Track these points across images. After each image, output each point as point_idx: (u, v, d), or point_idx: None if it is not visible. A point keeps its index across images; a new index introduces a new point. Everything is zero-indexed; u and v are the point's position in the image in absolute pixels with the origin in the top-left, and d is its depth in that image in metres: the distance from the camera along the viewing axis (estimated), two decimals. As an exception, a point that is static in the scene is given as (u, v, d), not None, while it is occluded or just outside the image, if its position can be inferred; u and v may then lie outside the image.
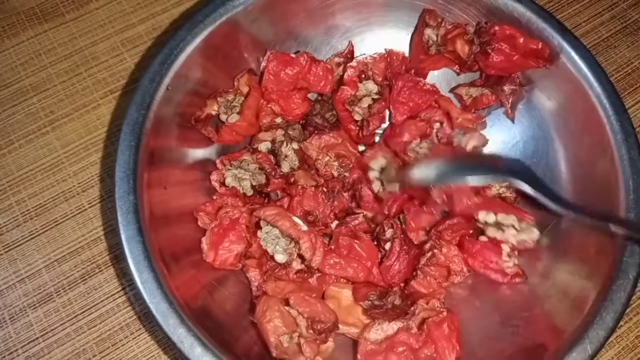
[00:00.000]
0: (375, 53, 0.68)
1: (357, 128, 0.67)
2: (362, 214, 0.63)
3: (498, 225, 0.59)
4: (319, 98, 0.69)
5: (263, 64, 0.66)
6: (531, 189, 0.52)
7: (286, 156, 0.66)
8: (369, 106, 0.66)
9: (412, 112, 0.67)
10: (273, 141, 0.66)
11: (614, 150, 0.55)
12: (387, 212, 0.64)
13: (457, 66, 0.67)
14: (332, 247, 0.60)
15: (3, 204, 0.71)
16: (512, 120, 0.66)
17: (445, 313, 0.55)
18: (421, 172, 0.57)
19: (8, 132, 0.75)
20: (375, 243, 0.62)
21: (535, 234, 0.58)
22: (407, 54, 0.70)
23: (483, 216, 0.60)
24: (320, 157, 0.66)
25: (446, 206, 0.61)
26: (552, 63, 0.60)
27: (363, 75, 0.67)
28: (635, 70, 0.80)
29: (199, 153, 0.64)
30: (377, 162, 0.63)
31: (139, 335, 0.65)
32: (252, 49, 0.66)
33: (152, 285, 0.49)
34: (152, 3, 0.83)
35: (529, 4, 0.60)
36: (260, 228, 0.59)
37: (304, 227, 0.57)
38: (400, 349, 0.53)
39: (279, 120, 0.67)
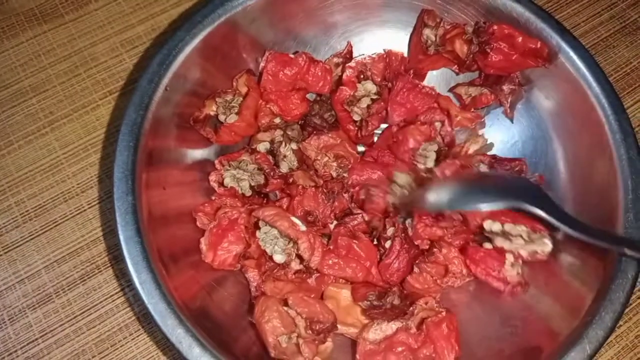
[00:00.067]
0: (374, 53, 0.68)
1: (356, 128, 0.67)
2: (361, 215, 0.63)
3: (505, 235, 0.58)
4: (318, 98, 0.69)
5: (262, 64, 0.66)
6: (546, 214, 0.51)
7: (285, 156, 0.66)
8: (368, 106, 0.66)
9: (409, 114, 0.67)
10: (272, 141, 0.66)
11: (613, 150, 0.55)
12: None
13: (456, 66, 0.67)
14: (331, 247, 0.60)
15: (2, 205, 0.71)
16: (511, 120, 0.66)
17: (444, 313, 0.55)
18: (435, 197, 0.56)
19: (7, 133, 0.75)
20: (375, 241, 0.62)
21: (547, 246, 0.56)
22: (406, 54, 0.70)
23: (489, 225, 0.58)
24: (319, 158, 0.66)
25: (460, 224, 0.61)
26: (551, 62, 0.60)
27: (362, 76, 0.67)
28: (634, 70, 0.80)
29: (197, 153, 0.64)
30: (404, 177, 0.62)
31: (138, 336, 0.65)
32: (250, 49, 0.66)
33: (150, 286, 0.49)
34: (151, 4, 0.83)
35: (527, 4, 0.60)
36: (259, 228, 0.59)
37: (303, 228, 0.57)
38: (399, 349, 0.53)
39: (277, 120, 0.67)
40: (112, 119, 0.76)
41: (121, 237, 0.51)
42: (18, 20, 0.82)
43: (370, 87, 0.67)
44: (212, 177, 0.63)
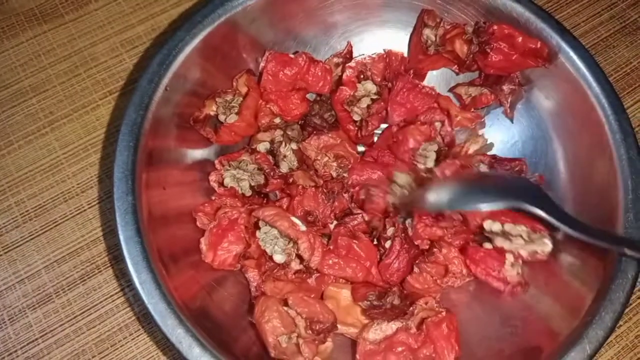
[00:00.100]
0: (374, 53, 0.68)
1: (356, 128, 0.67)
2: (361, 215, 0.63)
3: (505, 235, 0.58)
4: (318, 98, 0.70)
5: (262, 64, 0.66)
6: (546, 214, 0.51)
7: (285, 156, 0.66)
8: (368, 106, 0.66)
9: (408, 114, 0.67)
10: (272, 141, 0.66)
11: (613, 149, 0.55)
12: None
13: (456, 66, 0.67)
14: (331, 247, 0.60)
15: (2, 205, 0.71)
16: (511, 120, 0.66)
17: (444, 313, 0.55)
18: (435, 197, 0.56)
19: (7, 133, 0.75)
20: (375, 241, 0.62)
21: (547, 246, 0.56)
22: (406, 54, 0.70)
23: (488, 225, 0.58)
24: (319, 158, 0.66)
25: (460, 223, 0.61)
26: (551, 62, 0.60)
27: (362, 76, 0.67)
28: (634, 70, 0.80)
29: (197, 153, 0.64)
30: (404, 177, 0.62)
31: (138, 336, 0.65)
32: (250, 49, 0.66)
33: (150, 286, 0.49)
34: (151, 4, 0.83)
35: (527, 4, 0.60)
36: (259, 228, 0.59)
37: (303, 228, 0.57)
38: (399, 349, 0.53)
39: (277, 120, 0.67)
40: (112, 119, 0.76)
41: (121, 237, 0.51)
42: (18, 20, 0.82)
43: (370, 87, 0.67)
44: (212, 177, 0.63)
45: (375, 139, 0.71)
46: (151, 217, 0.53)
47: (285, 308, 0.55)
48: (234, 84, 0.66)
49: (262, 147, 0.66)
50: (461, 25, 0.65)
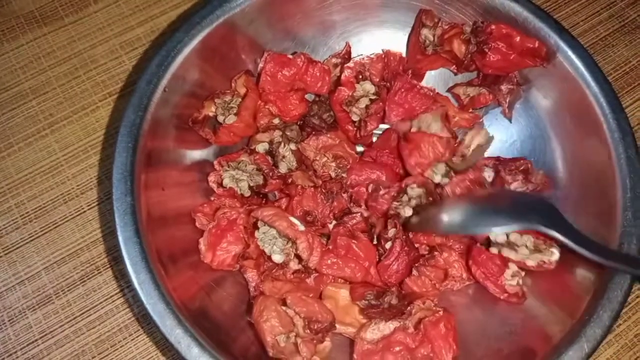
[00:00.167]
0: (373, 54, 0.69)
1: (355, 129, 0.67)
2: (359, 213, 0.63)
3: (511, 246, 0.57)
4: (317, 99, 0.70)
5: (260, 65, 0.66)
6: (563, 237, 0.50)
7: (284, 157, 0.66)
8: (367, 107, 0.66)
9: (406, 115, 0.67)
10: (270, 142, 0.66)
11: (611, 148, 0.55)
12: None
13: (454, 66, 0.67)
14: (330, 247, 0.60)
15: (2, 207, 0.71)
16: (510, 120, 0.66)
17: (441, 312, 0.55)
18: (447, 220, 0.56)
19: (7, 135, 0.75)
20: (375, 241, 0.62)
21: (555, 254, 0.55)
22: (404, 55, 0.70)
23: (494, 236, 0.58)
24: (317, 158, 0.66)
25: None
26: (549, 62, 0.60)
27: (360, 76, 0.67)
28: (633, 69, 0.80)
29: (196, 154, 0.65)
30: (418, 191, 0.62)
31: (137, 337, 0.65)
32: (249, 50, 0.66)
33: (149, 286, 0.49)
34: (151, 6, 0.84)
35: (525, 3, 0.60)
36: (258, 228, 0.59)
37: (301, 228, 0.58)
38: (397, 348, 0.53)
39: (276, 121, 0.67)
40: (111, 121, 0.76)
41: (120, 238, 0.51)
42: (18, 22, 0.82)
43: (368, 87, 0.67)
44: (211, 178, 0.64)
45: (374, 139, 0.71)
46: (150, 218, 0.54)
47: (284, 307, 0.55)
48: (233, 84, 0.66)
49: (261, 147, 0.66)
50: (459, 25, 0.65)
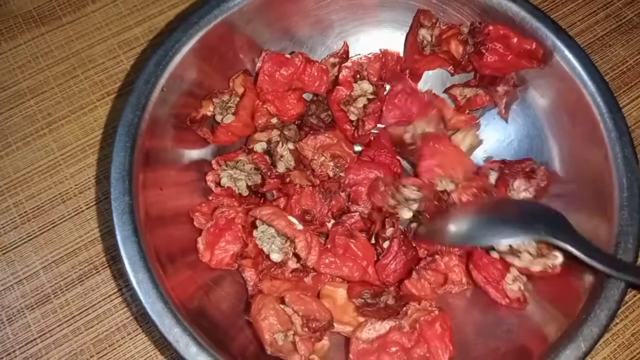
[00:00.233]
0: (370, 53, 0.69)
1: (353, 128, 0.67)
2: (358, 213, 0.64)
3: (514, 252, 0.57)
4: (314, 98, 0.70)
5: (258, 64, 0.66)
6: (576, 249, 0.50)
7: (282, 156, 0.66)
8: (364, 106, 0.66)
9: (402, 117, 0.67)
10: (269, 141, 0.66)
11: (608, 148, 0.55)
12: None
13: (451, 67, 0.68)
14: (328, 246, 0.61)
15: (1, 206, 0.71)
16: (506, 121, 0.66)
17: (437, 312, 0.55)
18: (454, 231, 0.56)
19: (5, 134, 0.75)
20: (373, 241, 0.62)
21: (558, 258, 0.55)
22: (402, 54, 0.70)
23: (496, 244, 0.57)
24: (315, 158, 0.66)
25: None
26: (546, 63, 0.60)
27: (358, 76, 0.67)
28: (630, 69, 0.81)
29: (194, 154, 0.65)
30: (413, 193, 0.62)
31: (136, 336, 0.65)
32: (247, 49, 0.66)
33: (147, 286, 0.49)
34: (149, 5, 0.84)
35: (523, 3, 0.60)
36: (256, 227, 0.59)
37: (300, 227, 0.58)
38: (393, 349, 0.53)
39: (274, 120, 0.67)
40: (109, 120, 0.76)
41: (118, 237, 0.51)
42: (16, 22, 0.82)
43: (366, 87, 0.67)
44: (209, 177, 0.64)
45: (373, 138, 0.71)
46: (148, 218, 0.54)
47: (282, 306, 0.55)
48: (231, 84, 0.66)
49: (259, 147, 0.66)
50: (457, 26, 0.65)
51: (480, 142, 0.67)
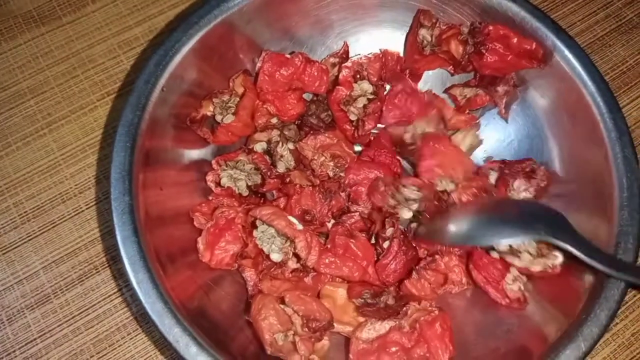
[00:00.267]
0: (370, 53, 0.69)
1: (353, 128, 0.67)
2: (358, 213, 0.64)
3: (514, 253, 0.56)
4: (314, 98, 0.70)
5: (258, 64, 0.66)
6: (576, 249, 0.50)
7: (282, 156, 0.66)
8: (364, 106, 0.66)
9: (402, 117, 0.67)
10: (269, 141, 0.66)
11: (608, 148, 0.55)
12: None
13: (451, 67, 0.68)
14: (328, 246, 0.61)
15: (1, 206, 0.71)
16: (506, 120, 0.66)
17: (436, 312, 0.55)
18: (454, 231, 0.56)
19: (5, 134, 0.75)
20: (373, 240, 0.62)
21: (558, 258, 0.55)
22: (402, 54, 0.70)
23: (496, 244, 0.57)
24: (315, 158, 0.66)
25: None
26: (546, 64, 0.60)
27: (358, 76, 0.67)
28: (630, 69, 0.81)
29: (194, 154, 0.65)
30: (417, 193, 0.62)
31: (136, 336, 0.65)
32: (247, 49, 0.66)
33: (147, 286, 0.49)
34: (149, 5, 0.84)
35: (523, 3, 0.60)
36: (256, 227, 0.59)
37: (300, 227, 0.58)
38: (393, 349, 0.53)
39: (274, 120, 0.67)
40: (109, 120, 0.76)
41: (118, 237, 0.51)
42: (16, 22, 0.82)
43: (366, 87, 0.67)
44: (209, 177, 0.64)
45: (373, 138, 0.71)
46: (148, 218, 0.54)
47: (282, 306, 0.55)
48: (231, 84, 0.66)
49: (259, 147, 0.66)
50: (457, 26, 0.65)
51: (480, 142, 0.67)
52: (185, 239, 0.60)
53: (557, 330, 0.50)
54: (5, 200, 0.71)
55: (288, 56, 0.66)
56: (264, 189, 0.64)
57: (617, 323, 0.67)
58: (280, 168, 0.65)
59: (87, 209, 0.71)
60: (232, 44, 0.64)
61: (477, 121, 0.68)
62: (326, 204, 0.64)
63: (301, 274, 0.59)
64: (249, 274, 0.60)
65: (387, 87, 0.69)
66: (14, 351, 0.64)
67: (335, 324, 0.56)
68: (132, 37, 0.82)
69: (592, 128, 0.57)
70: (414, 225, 0.62)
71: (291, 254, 0.58)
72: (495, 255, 0.58)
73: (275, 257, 0.58)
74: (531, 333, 0.54)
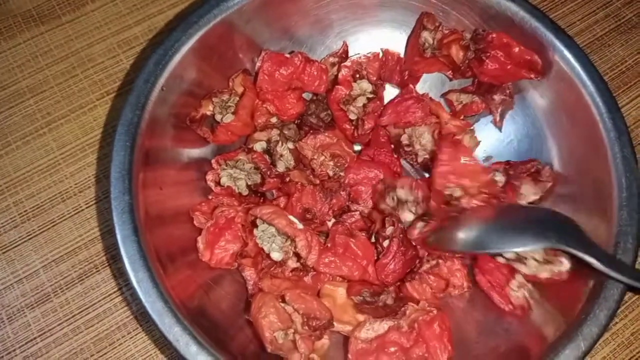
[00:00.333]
0: (370, 53, 0.69)
1: (352, 127, 0.67)
2: (358, 212, 0.64)
3: (520, 260, 0.56)
4: (314, 98, 0.70)
5: (258, 64, 0.66)
6: (591, 257, 0.48)
7: (281, 156, 0.66)
8: (364, 105, 0.66)
9: (399, 120, 0.67)
10: (268, 141, 0.66)
11: (607, 148, 0.55)
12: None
13: (450, 71, 0.67)
14: (328, 245, 0.61)
15: (0, 205, 0.71)
16: (500, 129, 0.66)
17: (435, 312, 0.55)
18: (464, 238, 0.55)
19: (5, 133, 0.75)
20: (373, 240, 0.63)
21: (565, 264, 0.54)
22: (401, 54, 0.70)
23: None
24: (315, 157, 0.66)
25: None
26: (544, 76, 0.60)
27: (357, 75, 0.67)
28: (629, 69, 0.81)
29: (194, 153, 0.65)
30: (409, 195, 0.61)
31: (136, 335, 0.65)
32: (246, 49, 0.66)
33: (147, 285, 0.49)
34: (148, 5, 0.84)
35: (522, 3, 0.60)
36: (256, 227, 0.59)
37: (300, 226, 0.58)
38: (392, 349, 0.53)
39: (274, 120, 0.67)
40: (109, 119, 0.76)
41: (118, 236, 0.51)
42: (15, 21, 0.82)
43: (366, 86, 0.67)
44: (209, 177, 0.64)
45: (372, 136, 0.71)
46: (148, 217, 0.54)
47: (282, 304, 0.55)
48: (230, 83, 0.66)
49: (259, 146, 0.66)
50: (459, 31, 0.65)
51: (478, 143, 0.67)
52: (185, 238, 0.60)
53: (557, 329, 0.51)
54: (5, 199, 0.71)
55: (287, 56, 0.67)
56: (264, 189, 0.65)
57: (616, 322, 0.67)
58: (280, 167, 0.65)
59: (87, 208, 0.71)
60: (232, 43, 0.64)
61: (472, 127, 0.68)
62: (327, 202, 0.64)
63: (301, 273, 0.59)
64: (249, 273, 0.60)
65: (387, 86, 0.69)
66: (14, 350, 0.64)
67: (335, 323, 0.56)
68: (131, 36, 0.82)
69: (591, 128, 0.57)
70: (420, 224, 0.61)
71: (291, 253, 0.58)
72: (500, 259, 0.57)
73: (276, 256, 0.58)
74: (531, 332, 0.54)
